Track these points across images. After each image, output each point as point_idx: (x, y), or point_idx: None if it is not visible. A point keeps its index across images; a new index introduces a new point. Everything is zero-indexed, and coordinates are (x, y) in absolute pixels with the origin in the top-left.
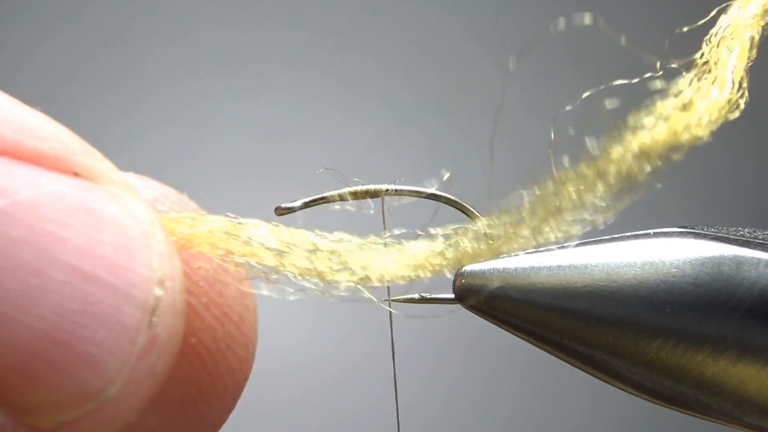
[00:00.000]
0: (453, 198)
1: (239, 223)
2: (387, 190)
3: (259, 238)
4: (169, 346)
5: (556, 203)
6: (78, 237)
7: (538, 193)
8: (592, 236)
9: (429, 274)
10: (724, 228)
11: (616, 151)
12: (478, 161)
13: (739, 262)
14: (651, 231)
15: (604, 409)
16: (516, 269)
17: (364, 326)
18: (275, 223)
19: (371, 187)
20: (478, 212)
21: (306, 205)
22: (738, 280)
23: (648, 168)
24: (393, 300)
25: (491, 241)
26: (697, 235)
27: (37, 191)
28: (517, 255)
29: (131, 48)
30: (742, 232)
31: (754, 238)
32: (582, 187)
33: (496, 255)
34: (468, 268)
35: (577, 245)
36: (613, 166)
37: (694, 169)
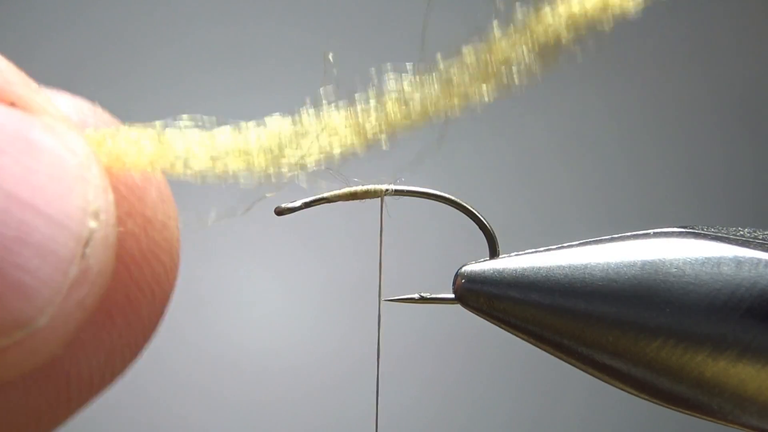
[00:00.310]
0: (453, 198)
1: (165, 133)
2: (387, 190)
3: (188, 149)
4: (100, 278)
5: (485, 67)
6: (14, 165)
7: (467, 56)
8: (592, 236)
9: (363, 145)
10: (724, 228)
11: (546, 18)
12: (478, 161)
13: (739, 262)
14: (651, 231)
15: (604, 409)
16: (516, 269)
17: (362, 326)
18: (202, 127)
19: (371, 187)
20: (478, 212)
21: (306, 205)
22: (738, 280)
23: (575, 35)
24: (392, 300)
25: (416, 104)
26: (697, 235)
27: None
28: (517, 255)
29: (131, 48)
30: (742, 232)
31: (754, 238)
32: (511, 53)
33: (423, 118)
34: (467, 268)
35: (577, 245)
36: (542, 33)
37: (693, 169)
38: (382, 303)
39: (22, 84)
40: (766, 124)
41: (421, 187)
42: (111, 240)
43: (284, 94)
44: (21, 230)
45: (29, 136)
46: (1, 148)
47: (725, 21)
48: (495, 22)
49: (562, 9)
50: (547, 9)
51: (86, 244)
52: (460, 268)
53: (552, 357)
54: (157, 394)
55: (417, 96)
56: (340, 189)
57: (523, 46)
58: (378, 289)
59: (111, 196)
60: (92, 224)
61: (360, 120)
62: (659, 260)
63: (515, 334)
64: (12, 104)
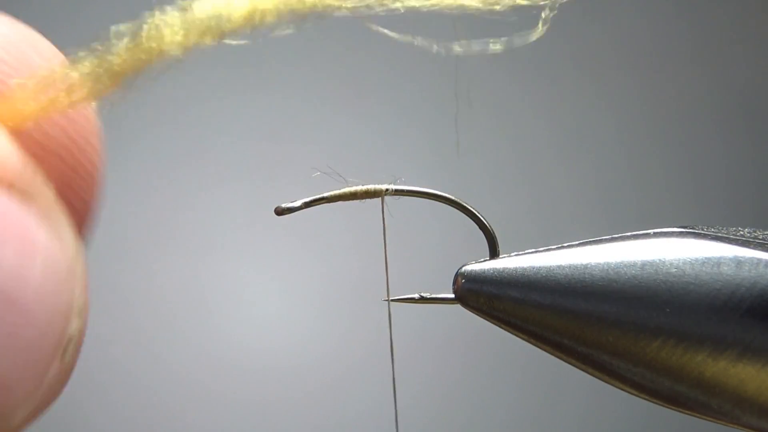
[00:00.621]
0: (453, 198)
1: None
2: (387, 190)
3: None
4: (73, 368)
5: None
6: (12, 261)
7: None
8: (592, 236)
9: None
10: (724, 228)
11: None
12: (478, 161)
13: (739, 262)
14: (651, 231)
15: (604, 409)
16: (516, 269)
17: (362, 326)
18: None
19: (371, 187)
20: (478, 212)
21: (306, 205)
22: (738, 280)
23: None
24: (393, 300)
25: None
26: (697, 235)
27: None
28: (517, 255)
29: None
30: (742, 232)
31: (754, 238)
32: None
33: None
34: (467, 268)
35: (577, 245)
36: None
37: (694, 169)
38: (383, 303)
39: (19, 162)
40: (767, 124)
41: (421, 187)
42: (84, 333)
43: (284, 94)
44: (8, 333)
45: (28, 229)
46: (3, 241)
47: (725, 21)
48: None
49: None
50: None
51: (66, 346)
52: (460, 268)
53: (552, 357)
54: (157, 394)
55: None
56: (340, 189)
57: None
58: (386, 288)
59: (87, 292)
60: (74, 328)
61: None
62: (659, 260)
63: (515, 334)
64: (10, 186)
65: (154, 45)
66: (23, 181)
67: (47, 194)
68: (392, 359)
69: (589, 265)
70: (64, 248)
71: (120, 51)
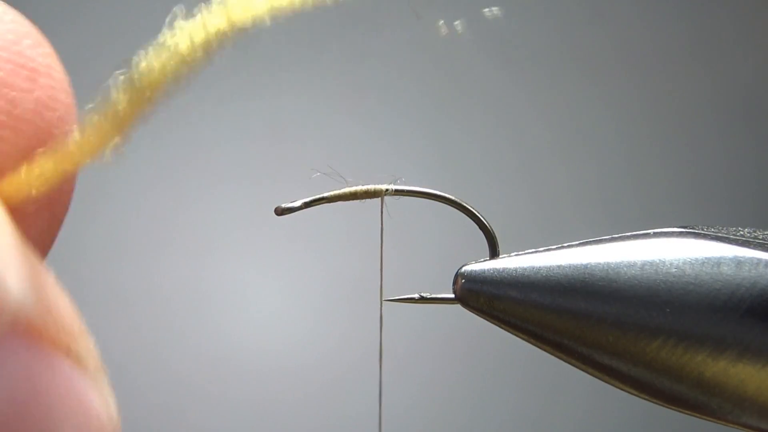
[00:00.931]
0: (453, 198)
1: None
2: (387, 190)
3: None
4: None
5: None
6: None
7: None
8: (592, 236)
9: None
10: (724, 228)
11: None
12: (478, 161)
13: (739, 262)
14: (651, 231)
15: (604, 409)
16: (516, 269)
17: (362, 326)
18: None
19: (371, 187)
20: (478, 212)
21: (306, 205)
22: (738, 280)
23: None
24: (392, 300)
25: None
26: (697, 235)
27: (53, 378)
28: (517, 255)
29: (129, 48)
30: (742, 232)
31: (754, 238)
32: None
33: None
34: (467, 268)
35: (577, 245)
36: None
37: (693, 169)
38: (383, 303)
39: (78, 331)
40: (767, 124)
41: (421, 187)
42: None
43: (284, 94)
44: None
45: (87, 400)
46: (68, 413)
47: (726, 20)
48: None
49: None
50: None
51: None
52: (460, 268)
53: (552, 357)
54: (157, 394)
55: None
56: (340, 189)
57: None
58: (380, 289)
59: None
60: None
61: None
62: (659, 260)
63: (515, 334)
64: (68, 351)
65: (151, 85)
66: (78, 343)
67: (93, 351)
68: (380, 359)
69: (589, 265)
70: (111, 413)
71: (120, 101)
